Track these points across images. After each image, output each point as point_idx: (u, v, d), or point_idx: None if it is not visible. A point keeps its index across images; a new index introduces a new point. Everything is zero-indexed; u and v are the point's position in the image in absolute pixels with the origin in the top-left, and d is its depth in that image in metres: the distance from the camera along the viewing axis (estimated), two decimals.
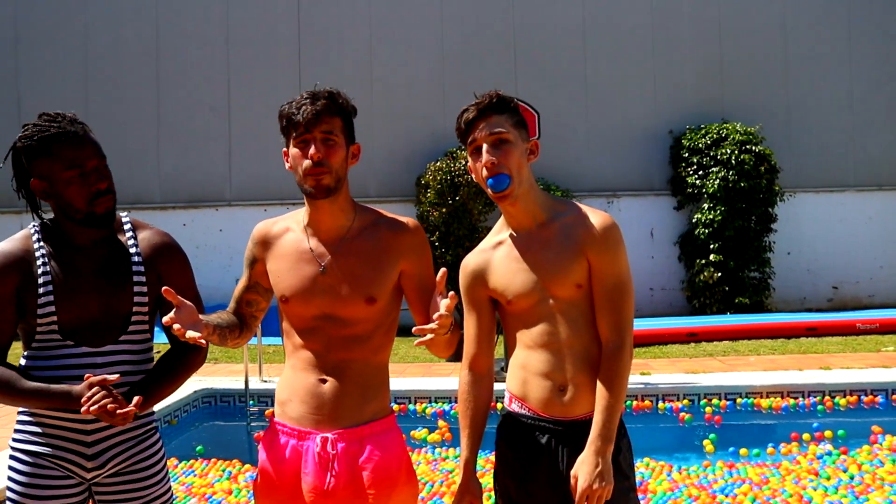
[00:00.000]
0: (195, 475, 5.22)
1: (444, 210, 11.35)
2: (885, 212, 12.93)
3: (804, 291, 12.78)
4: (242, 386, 6.81)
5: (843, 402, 6.70)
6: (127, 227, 2.24)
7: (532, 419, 2.21)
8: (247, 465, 5.38)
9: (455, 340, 2.06)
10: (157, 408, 6.19)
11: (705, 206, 11.90)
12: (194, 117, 12.67)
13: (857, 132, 12.84)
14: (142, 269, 2.19)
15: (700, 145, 12.06)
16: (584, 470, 2.05)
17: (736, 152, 11.70)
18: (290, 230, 2.20)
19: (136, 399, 1.99)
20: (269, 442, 2.17)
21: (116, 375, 2.01)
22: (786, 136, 12.50)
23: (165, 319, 1.88)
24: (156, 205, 12.60)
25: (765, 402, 6.76)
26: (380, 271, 2.12)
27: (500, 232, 2.32)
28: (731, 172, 11.66)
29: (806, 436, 5.73)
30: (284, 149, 2.15)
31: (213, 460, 5.48)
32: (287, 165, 2.13)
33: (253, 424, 6.68)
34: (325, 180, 2.04)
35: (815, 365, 7.89)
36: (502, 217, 2.32)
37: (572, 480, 2.07)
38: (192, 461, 5.51)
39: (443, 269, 1.97)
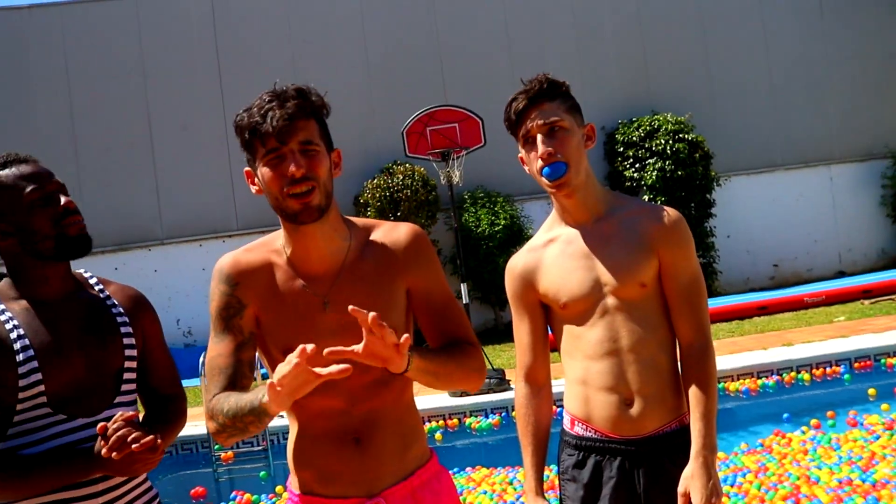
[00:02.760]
0: None
1: None
2: (812, 188, 13.29)
3: (746, 272, 13.00)
4: (204, 430, 6.43)
5: (807, 376, 6.76)
6: (93, 281, 1.96)
7: (600, 441, 2.00)
8: None
9: (450, 377, 1.74)
10: None
11: (645, 197, 11.98)
12: (115, 154, 12.09)
13: (780, 114, 13.16)
14: (126, 320, 1.91)
15: (634, 138, 12.16)
16: (696, 485, 1.88)
17: (670, 142, 11.83)
18: (274, 263, 1.77)
19: (156, 438, 1.65)
20: None
21: (134, 411, 1.72)
22: (713, 123, 12.70)
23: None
24: None
25: (733, 386, 6.75)
26: (389, 295, 1.77)
27: (552, 229, 2.12)
28: (667, 163, 11.78)
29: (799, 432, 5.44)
30: (247, 168, 1.74)
31: None
32: (254, 189, 1.74)
33: (220, 471, 6.32)
34: (314, 199, 1.66)
35: (777, 342, 7.95)
36: (552, 213, 2.13)
37: (681, 499, 1.89)
38: None
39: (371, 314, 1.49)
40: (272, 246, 1.80)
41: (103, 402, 1.82)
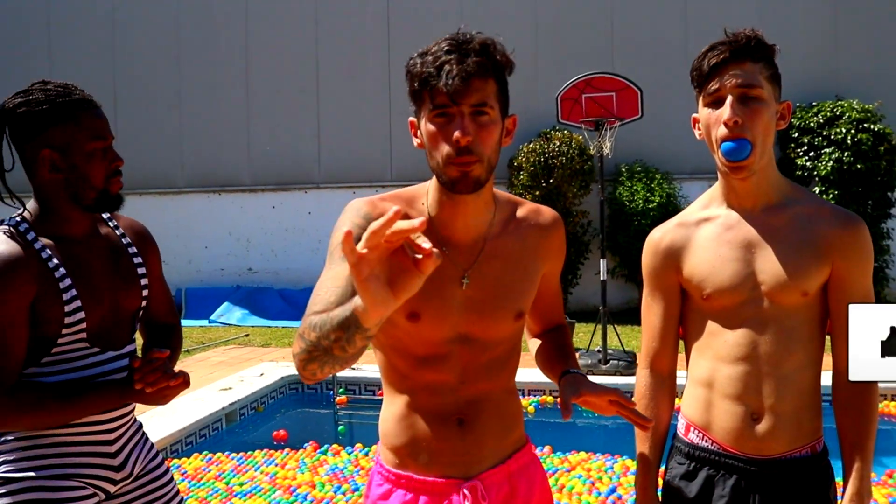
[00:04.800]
0: (276, 465, 5.07)
1: (537, 193, 10.94)
2: None
3: None
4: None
5: None
6: (105, 215, 2.00)
7: (716, 455, 1.81)
8: (324, 457, 5.19)
9: None
10: (243, 394, 6.17)
11: (817, 189, 11.10)
12: (283, 99, 12.60)
13: None
14: (141, 260, 2.00)
15: (812, 124, 11.24)
16: None
17: (852, 132, 10.86)
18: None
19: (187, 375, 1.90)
20: (386, 498, 1.72)
21: (167, 350, 1.92)
22: None
23: None
24: (245, 187, 12.63)
25: (886, 406, 6.15)
26: (528, 279, 1.70)
27: (710, 206, 1.89)
28: (846, 154, 10.83)
29: None
30: (412, 118, 1.62)
31: (291, 450, 5.33)
32: (416, 142, 1.62)
33: (340, 413, 6.52)
34: (474, 171, 1.53)
35: None
36: (712, 189, 1.91)
37: None
38: (272, 451, 5.37)
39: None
40: (412, 201, 1.68)
41: (124, 338, 1.94)
